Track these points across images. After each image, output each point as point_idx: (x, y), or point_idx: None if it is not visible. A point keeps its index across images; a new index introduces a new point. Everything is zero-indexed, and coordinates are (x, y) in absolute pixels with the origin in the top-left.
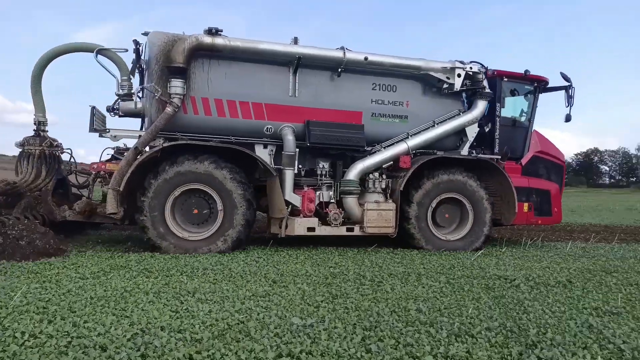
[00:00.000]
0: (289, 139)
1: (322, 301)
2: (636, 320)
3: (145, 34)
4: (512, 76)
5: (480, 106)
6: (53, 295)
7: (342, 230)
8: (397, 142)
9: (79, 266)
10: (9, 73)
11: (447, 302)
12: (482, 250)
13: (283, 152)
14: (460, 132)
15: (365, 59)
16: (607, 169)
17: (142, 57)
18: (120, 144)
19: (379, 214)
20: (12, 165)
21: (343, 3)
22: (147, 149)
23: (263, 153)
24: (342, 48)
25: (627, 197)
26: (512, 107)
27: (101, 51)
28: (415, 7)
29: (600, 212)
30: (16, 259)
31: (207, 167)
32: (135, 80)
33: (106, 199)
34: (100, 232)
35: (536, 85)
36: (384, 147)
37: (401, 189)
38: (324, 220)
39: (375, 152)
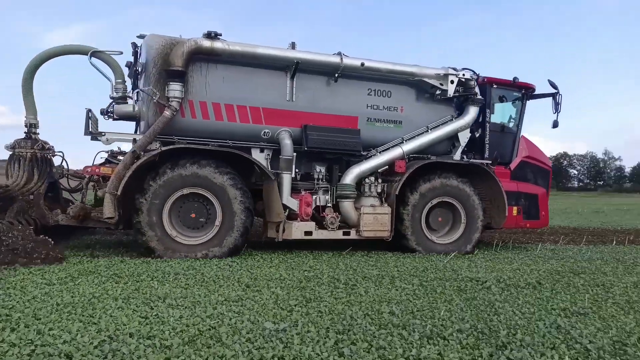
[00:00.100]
0: (287, 143)
1: (295, 305)
2: (602, 320)
3: (141, 36)
4: (502, 83)
5: (472, 112)
6: (17, 302)
7: (338, 234)
8: (392, 146)
9: (45, 272)
10: None
11: (419, 304)
12: (455, 253)
13: (280, 157)
14: (453, 138)
15: (362, 64)
16: (576, 172)
17: (139, 60)
18: (114, 147)
19: (374, 218)
20: None
21: (319, 7)
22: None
23: (260, 157)
24: (339, 54)
25: (595, 200)
26: (501, 113)
27: (95, 53)
28: (394, 12)
29: (569, 214)
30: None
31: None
32: (129, 82)
33: (103, 202)
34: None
35: (524, 92)
36: (380, 152)
37: (396, 193)
38: (321, 224)
39: (371, 156)
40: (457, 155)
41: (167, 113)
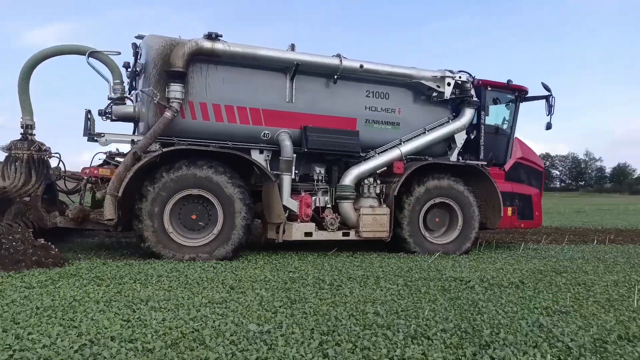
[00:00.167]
0: (287, 144)
1: (280, 306)
2: (583, 319)
3: (140, 37)
4: (496, 85)
5: (468, 114)
6: None
7: (338, 235)
8: (390, 148)
9: (25, 275)
10: None
11: (404, 304)
12: (439, 253)
13: (280, 158)
14: (449, 139)
15: (361, 66)
16: (558, 173)
17: (138, 60)
18: (111, 148)
19: (373, 219)
20: None
21: (301, 7)
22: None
23: (259, 158)
24: (339, 55)
25: (577, 200)
26: (495, 115)
27: (93, 54)
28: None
29: (551, 214)
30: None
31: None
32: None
33: (101, 204)
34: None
35: (517, 95)
36: (378, 153)
37: (395, 193)
38: (320, 225)
39: (369, 158)
40: (453, 157)
41: (167, 114)
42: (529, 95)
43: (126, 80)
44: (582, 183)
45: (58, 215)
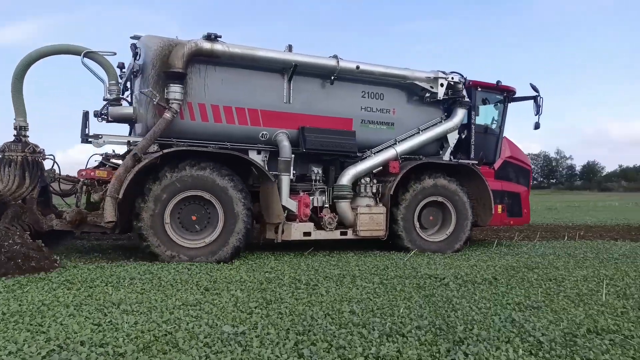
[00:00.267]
0: (285, 144)
1: (255, 307)
2: (554, 313)
3: (136, 37)
4: (485, 86)
5: (460, 114)
6: None
7: (336, 234)
8: (386, 148)
9: None
10: None
11: (380, 302)
12: (414, 251)
13: (279, 158)
14: (442, 139)
15: (357, 67)
16: None
17: (136, 61)
18: (107, 150)
19: (370, 218)
20: None
21: (275, 7)
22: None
23: (257, 159)
24: (335, 57)
25: (548, 197)
26: (485, 115)
27: (88, 54)
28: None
29: None
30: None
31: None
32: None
33: (96, 207)
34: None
35: (506, 95)
36: (374, 153)
37: (391, 193)
38: (318, 225)
39: (366, 157)
40: (446, 156)
41: (167, 115)
42: (517, 95)
43: (120, 81)
44: (554, 181)
45: (54, 218)
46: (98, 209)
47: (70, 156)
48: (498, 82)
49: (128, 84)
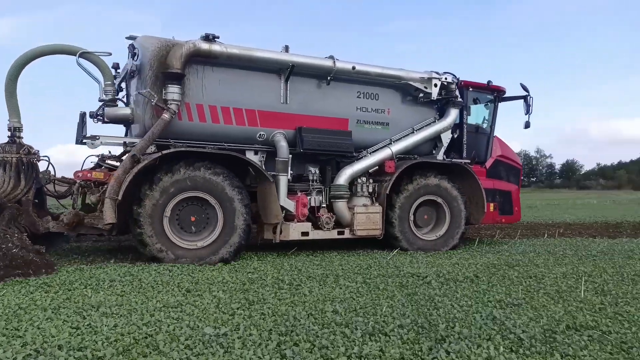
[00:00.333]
0: (283, 145)
1: (237, 308)
2: (534, 310)
3: (132, 37)
4: (476, 86)
5: (453, 114)
6: None
7: (333, 234)
8: (381, 147)
9: None
10: None
11: (362, 301)
12: (397, 249)
13: (277, 158)
14: (435, 138)
15: (353, 68)
16: None
17: (133, 61)
18: (104, 151)
19: (367, 217)
20: None
21: (259, 7)
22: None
23: (255, 159)
24: (332, 57)
25: (529, 195)
26: (476, 114)
27: (84, 54)
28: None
29: None
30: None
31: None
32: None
33: (92, 209)
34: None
35: (496, 95)
36: (370, 153)
37: (387, 192)
38: (315, 225)
39: (362, 157)
40: (439, 155)
41: (165, 116)
42: (507, 95)
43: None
44: (534, 179)
45: (51, 220)
46: (93, 210)
47: (68, 150)
48: (489, 82)
49: (123, 85)
